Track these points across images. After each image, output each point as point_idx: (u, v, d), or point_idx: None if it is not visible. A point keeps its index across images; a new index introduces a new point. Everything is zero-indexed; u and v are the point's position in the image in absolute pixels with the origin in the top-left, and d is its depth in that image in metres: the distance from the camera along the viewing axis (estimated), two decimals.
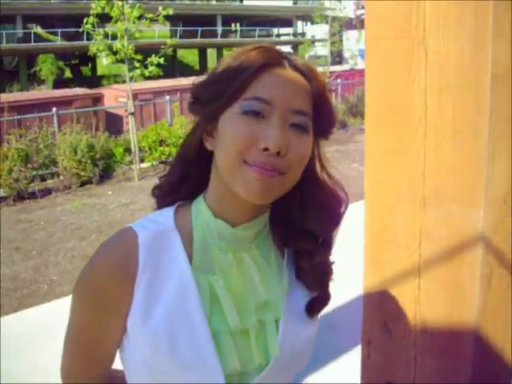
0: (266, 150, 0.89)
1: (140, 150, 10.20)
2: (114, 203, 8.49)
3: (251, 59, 0.91)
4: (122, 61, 9.04)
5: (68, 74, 24.07)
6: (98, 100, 10.86)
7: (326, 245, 1.05)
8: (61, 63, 24.00)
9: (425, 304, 1.97)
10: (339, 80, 14.04)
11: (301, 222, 1.02)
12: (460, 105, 1.79)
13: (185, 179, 1.04)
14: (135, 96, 11.34)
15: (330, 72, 13.78)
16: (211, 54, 27.07)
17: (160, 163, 10.60)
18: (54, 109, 9.87)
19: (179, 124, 10.88)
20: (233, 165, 0.91)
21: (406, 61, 1.86)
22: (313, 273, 1.05)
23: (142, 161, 10.37)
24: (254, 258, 1.01)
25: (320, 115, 0.95)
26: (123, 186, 9.43)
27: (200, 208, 1.01)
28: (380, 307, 2.13)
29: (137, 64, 9.05)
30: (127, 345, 0.98)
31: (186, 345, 0.92)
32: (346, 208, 1.05)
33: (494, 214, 1.87)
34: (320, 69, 12.85)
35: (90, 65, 24.18)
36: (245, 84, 0.90)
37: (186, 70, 24.36)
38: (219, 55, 25.11)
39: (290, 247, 1.06)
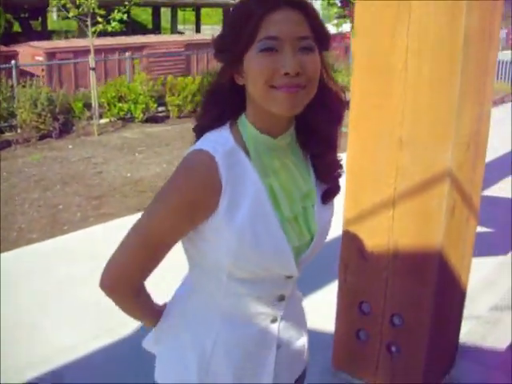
0: (286, 74, 1.16)
1: (99, 105, 10.23)
2: (75, 156, 8.57)
3: (254, 7, 1.17)
4: (77, 16, 9.00)
5: (17, 27, 23.35)
6: (12, 58, 10.56)
7: (333, 146, 1.34)
8: (9, 16, 23.32)
9: (398, 232, 2.31)
10: None
11: (314, 127, 1.29)
12: (436, 63, 2.11)
13: (223, 112, 1.29)
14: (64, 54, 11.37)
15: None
16: (164, 13, 26.75)
17: (118, 119, 10.65)
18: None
19: (139, 81, 10.93)
20: (263, 91, 1.19)
21: (391, 24, 2.16)
22: (325, 169, 1.34)
23: (100, 116, 10.41)
24: (292, 161, 1.32)
25: (318, 34, 1.21)
26: (83, 141, 9.48)
27: (246, 127, 1.27)
28: (357, 236, 2.46)
29: (100, 19, 9.06)
30: (209, 241, 1.25)
31: (263, 234, 1.22)
32: (344, 108, 1.32)
33: (460, 156, 2.21)
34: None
35: (40, 19, 23.50)
36: (256, 29, 1.16)
37: (138, 28, 24.04)
38: (173, 14, 24.82)
39: (308, 151, 1.35)
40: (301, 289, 1.50)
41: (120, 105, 10.56)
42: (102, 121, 10.54)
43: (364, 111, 2.21)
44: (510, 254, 4.99)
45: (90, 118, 10.13)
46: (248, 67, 1.19)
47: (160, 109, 11.57)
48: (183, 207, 1.22)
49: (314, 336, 1.80)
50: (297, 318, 1.48)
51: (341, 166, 1.37)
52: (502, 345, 3.34)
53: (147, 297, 1.44)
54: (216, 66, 1.30)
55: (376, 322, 2.46)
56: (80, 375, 3.35)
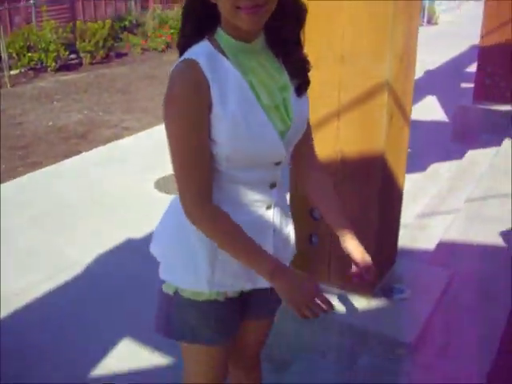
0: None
1: (8, 56, 9.89)
2: None
3: None
4: None
5: None
6: None
7: (299, 45, 1.56)
8: None
9: (343, 140, 2.54)
10: None
11: (280, 31, 1.49)
12: None
13: (199, 27, 1.47)
14: None
15: None
16: None
17: (29, 70, 10.36)
18: None
19: (48, 28, 10.60)
20: (231, 12, 1.38)
21: None
22: (295, 66, 1.54)
23: (10, 68, 10.07)
24: (266, 60, 1.52)
25: None
26: None
27: (223, 36, 1.46)
28: None
29: None
30: (213, 132, 1.42)
31: (253, 121, 1.42)
32: (305, 12, 1.51)
33: (395, 68, 2.44)
34: None
35: None
36: None
37: None
38: None
39: (279, 52, 1.54)
40: None
41: (30, 54, 10.25)
42: (13, 72, 10.22)
43: (307, 30, 2.37)
44: (428, 170, 5.41)
45: (0, 69, 9.80)
46: None
47: (71, 56, 11.31)
48: (190, 109, 1.39)
49: None
50: (285, 205, 1.68)
51: (308, 62, 1.57)
52: (431, 245, 3.70)
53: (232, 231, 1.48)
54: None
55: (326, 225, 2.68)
56: (36, 315, 3.48)
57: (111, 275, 3.95)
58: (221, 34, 1.46)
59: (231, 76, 1.43)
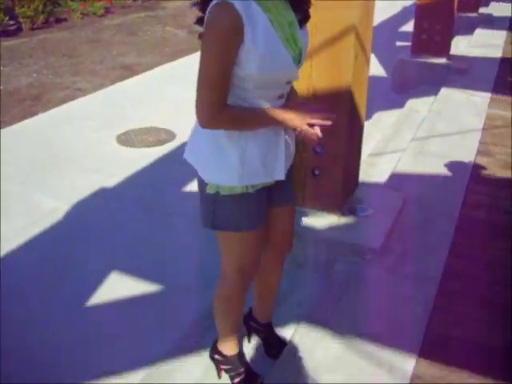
0: None
1: None
2: None
3: None
4: None
5: None
6: None
7: None
8: None
9: (315, 78, 2.93)
10: None
11: None
12: None
13: None
14: None
15: None
16: None
17: None
18: None
19: None
20: None
21: None
22: (299, 3, 1.93)
23: None
24: (282, 7, 1.88)
25: None
26: None
27: None
28: None
29: None
30: (244, 61, 1.77)
31: (275, 52, 1.80)
32: None
33: (361, 14, 2.84)
34: None
35: None
36: None
37: None
38: None
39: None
40: None
41: None
42: None
43: None
44: (372, 118, 5.88)
45: None
46: None
47: (10, 22, 11.20)
48: (227, 41, 1.73)
49: None
50: None
51: (310, 1, 1.96)
52: (384, 178, 4.17)
53: (237, 109, 1.89)
54: None
55: (303, 150, 3.06)
56: (32, 257, 3.78)
57: (90, 218, 4.27)
58: None
59: (260, 18, 1.76)
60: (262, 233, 2.16)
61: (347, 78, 2.92)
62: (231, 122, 1.89)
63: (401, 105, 6.15)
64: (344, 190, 3.25)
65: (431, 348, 2.47)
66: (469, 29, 8.98)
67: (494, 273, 3.04)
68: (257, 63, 1.77)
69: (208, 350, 2.66)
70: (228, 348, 2.49)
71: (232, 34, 1.71)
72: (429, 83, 6.42)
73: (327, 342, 2.49)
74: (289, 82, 1.96)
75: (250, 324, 2.73)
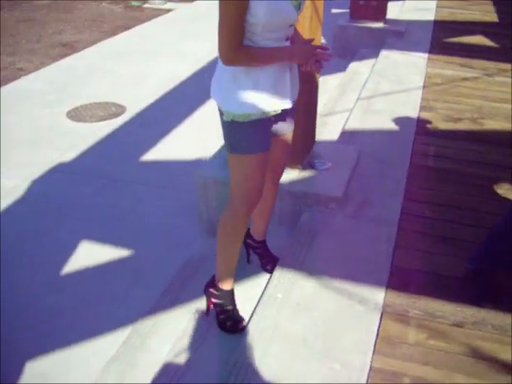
0: None
1: None
2: None
3: None
4: None
5: None
6: None
7: None
8: None
9: None
10: None
11: None
12: None
13: None
14: None
15: None
16: None
17: None
18: None
19: None
20: None
21: None
22: None
23: None
24: None
25: None
26: None
27: None
28: None
29: None
30: (253, 9, 2.08)
31: (282, 5, 2.13)
32: None
33: None
34: None
35: None
36: None
37: None
38: None
39: None
40: None
41: None
42: None
43: None
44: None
45: None
46: None
47: None
48: None
49: None
50: None
51: None
52: (335, 135, 4.39)
53: (255, 49, 2.19)
54: None
55: None
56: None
57: (51, 192, 4.35)
58: None
59: None
60: (267, 157, 2.46)
61: (304, 36, 3.08)
62: (248, 59, 2.20)
63: (344, 68, 6.38)
64: (304, 146, 3.44)
65: (397, 280, 2.72)
66: None
67: (447, 213, 3.31)
68: (263, 10, 2.09)
69: (186, 304, 2.88)
70: (224, 282, 2.71)
71: None
72: (368, 46, 6.68)
73: (303, 282, 2.69)
74: (291, 25, 2.27)
75: (247, 242, 3.08)
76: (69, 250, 3.63)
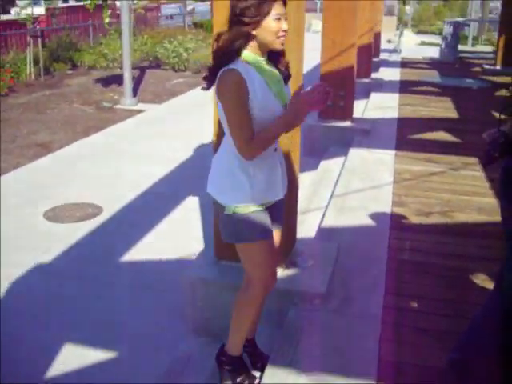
0: (285, 31, 2.40)
1: None
2: None
3: None
4: None
5: None
6: None
7: (283, 56, 2.59)
8: None
9: None
10: (38, 26, 14.17)
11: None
12: None
13: (231, 57, 2.45)
14: None
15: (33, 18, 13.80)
16: None
17: None
18: None
19: None
20: (273, 38, 2.43)
21: None
22: (282, 67, 2.58)
23: None
24: (269, 66, 2.51)
25: None
26: None
27: (250, 56, 2.46)
28: None
29: None
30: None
31: (270, 102, 2.46)
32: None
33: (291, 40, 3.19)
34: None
35: None
36: (271, 8, 2.36)
37: None
38: None
39: (272, 61, 2.56)
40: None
41: None
42: None
43: None
44: None
45: None
46: (268, 25, 2.41)
47: None
48: (240, 92, 2.38)
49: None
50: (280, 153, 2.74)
51: (288, 64, 2.64)
52: (313, 232, 4.52)
53: (261, 132, 2.45)
54: None
55: None
56: None
57: (29, 294, 4.33)
58: (248, 55, 2.47)
59: (257, 79, 2.43)
60: (272, 242, 2.71)
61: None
62: (264, 143, 2.47)
63: (314, 166, 6.62)
64: (286, 245, 3.56)
65: (385, 374, 2.78)
66: (365, 93, 9.78)
67: (427, 305, 3.43)
68: (257, 109, 2.42)
69: None
70: (235, 349, 2.92)
71: (242, 86, 2.37)
72: (337, 145, 6.97)
73: (294, 380, 2.73)
74: None
75: None
76: (50, 353, 3.59)
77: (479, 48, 21.91)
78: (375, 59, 13.09)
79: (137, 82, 13.08)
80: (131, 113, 10.77)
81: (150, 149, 8.28)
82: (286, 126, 2.46)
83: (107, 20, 12.06)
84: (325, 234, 4.39)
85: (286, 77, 2.64)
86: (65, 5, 18.04)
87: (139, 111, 10.94)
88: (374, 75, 11.71)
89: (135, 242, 5.23)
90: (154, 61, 15.87)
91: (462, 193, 5.34)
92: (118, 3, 12.79)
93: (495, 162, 2.61)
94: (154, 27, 20.98)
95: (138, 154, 8.07)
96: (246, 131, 2.42)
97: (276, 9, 2.41)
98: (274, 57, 2.57)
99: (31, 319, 3.98)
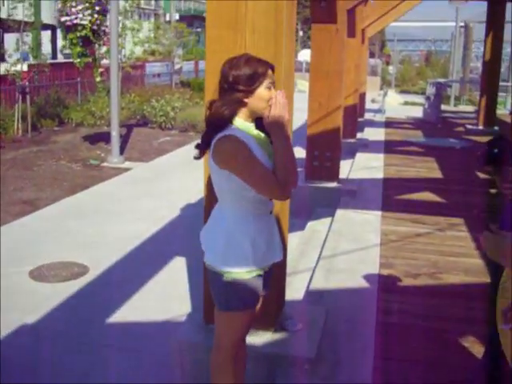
0: None
1: None
2: None
3: (263, 64, 2.47)
4: None
5: None
6: None
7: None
8: None
9: None
10: (27, 83, 14.27)
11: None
12: None
13: (224, 124, 2.49)
14: None
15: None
16: None
17: None
18: None
19: None
20: (266, 104, 2.48)
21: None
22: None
23: None
24: (261, 134, 2.54)
25: None
26: None
27: (242, 123, 2.54)
28: None
29: None
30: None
31: (264, 161, 2.50)
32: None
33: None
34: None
35: None
36: (265, 78, 2.44)
37: None
38: None
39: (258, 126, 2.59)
40: None
41: None
42: None
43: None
44: None
45: None
46: (260, 95, 2.49)
47: None
48: (247, 150, 2.42)
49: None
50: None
51: None
52: (301, 295, 4.52)
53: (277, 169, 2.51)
54: None
55: None
56: None
57: (15, 357, 4.23)
58: (240, 122, 2.52)
59: (252, 142, 2.48)
60: (255, 310, 2.71)
61: None
62: (286, 173, 2.49)
63: (301, 227, 6.65)
64: (276, 308, 3.55)
65: None
66: (350, 153, 9.93)
67: (416, 368, 3.42)
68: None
69: None
70: None
71: (245, 144, 2.42)
72: (324, 205, 7.03)
73: None
74: None
75: None
76: None
77: (461, 108, 22.42)
78: (360, 119, 13.35)
79: (124, 140, 13.18)
80: (118, 171, 10.81)
81: (137, 208, 8.28)
82: (280, 141, 2.50)
83: (98, 79, 12.24)
84: (313, 296, 4.38)
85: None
86: (51, 61, 18.18)
87: (126, 169, 10.98)
88: (359, 135, 11.92)
89: (122, 303, 5.16)
90: (141, 119, 16.02)
91: (449, 254, 5.39)
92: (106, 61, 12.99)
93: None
94: (140, 85, 21.28)
95: (125, 213, 8.06)
96: (271, 177, 2.46)
97: (268, 78, 2.49)
98: (261, 121, 2.61)
99: (16, 380, 3.89)
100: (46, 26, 22.50)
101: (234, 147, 2.42)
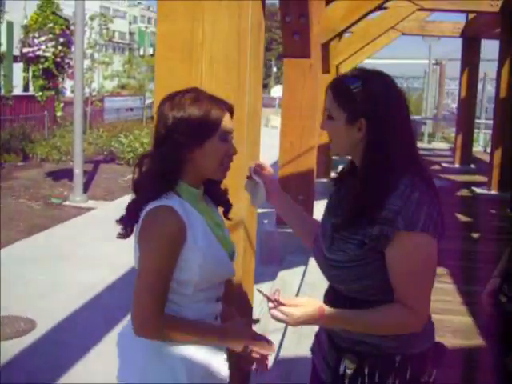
0: (232, 155, 1.89)
1: None
2: None
3: (218, 105, 1.81)
4: None
5: None
6: None
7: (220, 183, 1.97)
8: None
9: None
10: None
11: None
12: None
13: (160, 189, 1.80)
14: None
15: None
16: None
17: None
18: None
19: None
20: (219, 164, 1.84)
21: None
22: (219, 197, 1.98)
23: None
24: (206, 201, 1.91)
25: None
26: None
27: (185, 188, 1.84)
28: None
29: None
30: (185, 263, 1.76)
31: (213, 250, 1.82)
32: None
33: (248, 215, 2.77)
34: None
35: None
36: (221, 122, 1.79)
37: None
38: None
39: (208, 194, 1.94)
40: None
41: None
42: None
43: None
44: None
45: None
46: (212, 149, 1.79)
47: None
48: (169, 246, 1.72)
49: None
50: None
51: (227, 192, 2.05)
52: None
53: (178, 319, 1.82)
54: None
55: None
56: None
57: None
58: (184, 187, 1.83)
59: (198, 219, 1.80)
60: None
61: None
62: (171, 332, 1.79)
63: (271, 276, 6.13)
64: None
65: None
66: (324, 193, 9.46)
67: None
68: (198, 261, 1.75)
69: None
70: None
71: (177, 236, 1.72)
72: (296, 253, 6.53)
73: None
74: (220, 283, 1.93)
75: None
76: None
77: (435, 145, 22.28)
78: (334, 157, 12.96)
79: (89, 177, 12.63)
80: (80, 210, 10.26)
81: (96, 253, 7.74)
82: (213, 338, 1.87)
83: (59, 113, 11.73)
84: (282, 363, 3.87)
85: (227, 210, 2.06)
86: (16, 94, 17.63)
87: (89, 209, 10.43)
88: (333, 173, 11.50)
89: (71, 365, 4.64)
90: (108, 155, 15.48)
91: (433, 311, 4.89)
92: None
93: None
94: (99, 120, 20.59)
95: (82, 258, 7.54)
96: (160, 297, 1.74)
97: (224, 124, 1.79)
98: (210, 185, 1.96)
99: None
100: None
101: (163, 226, 1.73)
